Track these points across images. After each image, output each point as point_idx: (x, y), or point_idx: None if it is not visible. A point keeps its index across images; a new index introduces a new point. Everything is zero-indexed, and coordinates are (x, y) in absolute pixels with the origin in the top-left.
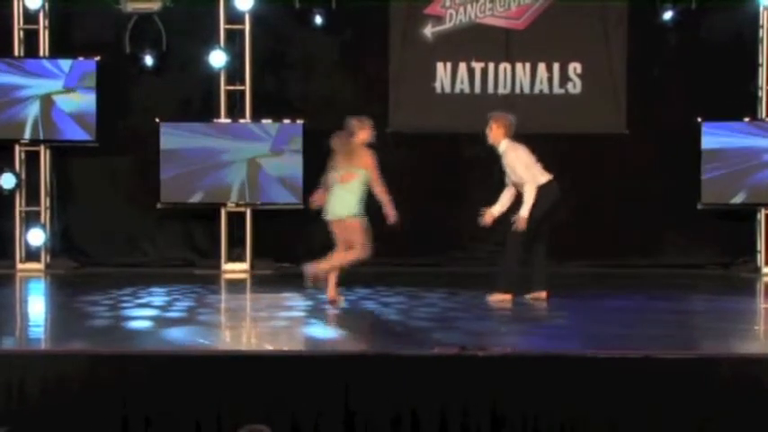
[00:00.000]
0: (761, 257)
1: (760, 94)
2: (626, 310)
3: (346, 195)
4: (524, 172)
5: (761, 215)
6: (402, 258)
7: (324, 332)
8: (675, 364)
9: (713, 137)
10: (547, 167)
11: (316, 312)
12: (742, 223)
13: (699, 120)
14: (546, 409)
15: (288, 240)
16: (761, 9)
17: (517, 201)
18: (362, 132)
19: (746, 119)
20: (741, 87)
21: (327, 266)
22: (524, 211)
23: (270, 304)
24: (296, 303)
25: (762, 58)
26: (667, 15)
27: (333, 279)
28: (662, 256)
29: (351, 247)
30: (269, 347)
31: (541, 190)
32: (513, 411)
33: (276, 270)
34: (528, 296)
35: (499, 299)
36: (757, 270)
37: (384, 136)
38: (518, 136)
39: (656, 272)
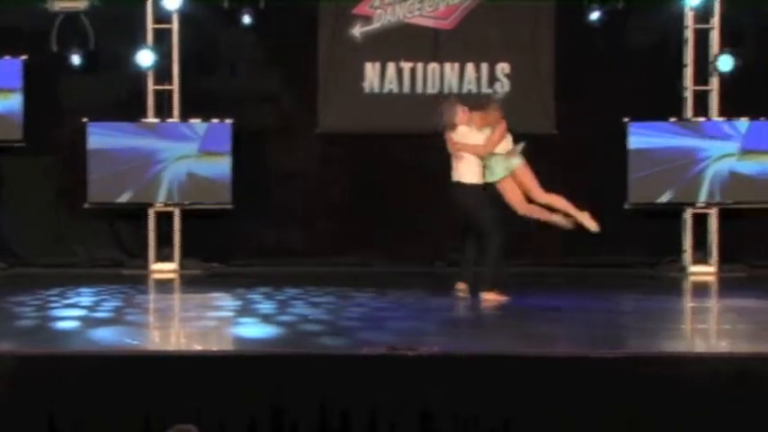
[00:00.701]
0: (687, 257)
1: (686, 94)
2: (556, 309)
3: None
4: None
5: (687, 214)
6: (332, 258)
7: (253, 332)
8: (603, 362)
9: (640, 137)
10: None
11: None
12: (669, 223)
13: (626, 120)
14: (476, 409)
15: (216, 240)
16: (686, 9)
17: None
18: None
19: (673, 119)
20: (667, 87)
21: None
22: None
23: (199, 304)
24: (225, 303)
25: (687, 58)
26: (594, 16)
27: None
28: (591, 255)
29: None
30: (198, 347)
31: None
32: (442, 411)
33: (205, 270)
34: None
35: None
36: (683, 269)
37: (312, 136)
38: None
39: (585, 271)
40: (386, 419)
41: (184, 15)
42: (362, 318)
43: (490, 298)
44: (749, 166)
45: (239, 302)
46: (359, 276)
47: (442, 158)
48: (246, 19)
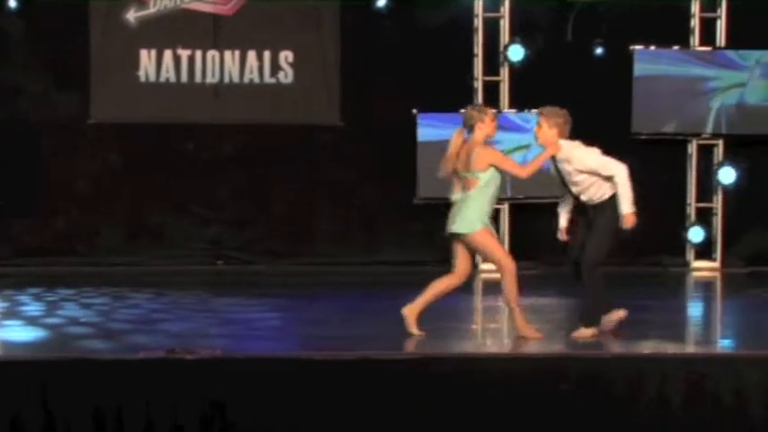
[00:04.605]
0: None
1: (476, 84)
2: (342, 309)
3: (464, 206)
4: (602, 159)
5: None
6: (109, 257)
7: (20, 336)
8: (392, 364)
9: (430, 128)
10: (255, 159)
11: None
12: None
13: (415, 111)
14: (261, 412)
15: None
16: None
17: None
18: (483, 126)
19: (462, 110)
20: (457, 78)
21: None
22: (628, 206)
23: None
24: None
25: (477, 48)
26: (381, 2)
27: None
28: (380, 252)
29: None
30: None
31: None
32: (222, 414)
33: None
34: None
35: (588, 334)
36: (475, 266)
37: (85, 127)
38: (226, 128)
39: (374, 269)
40: (164, 424)
41: None
42: (136, 320)
43: (587, 335)
44: None
45: (5, 304)
46: (137, 276)
47: (222, 150)
48: (12, 2)
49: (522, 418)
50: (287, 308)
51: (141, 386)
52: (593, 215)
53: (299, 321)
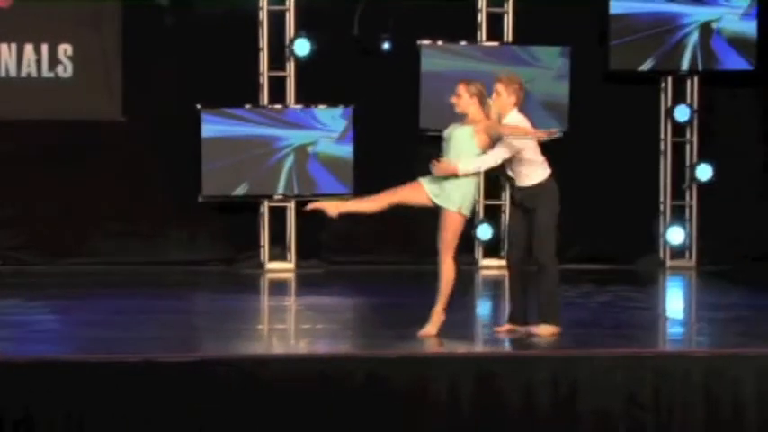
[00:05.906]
0: (264, 252)
1: (261, 79)
2: (125, 310)
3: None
4: (509, 139)
5: (264, 208)
6: None
7: None
8: (176, 367)
9: (214, 125)
10: (34, 156)
11: None
12: (246, 217)
13: (198, 107)
14: (38, 415)
15: None
16: None
17: None
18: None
19: (248, 105)
20: (242, 72)
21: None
22: (466, 165)
23: None
24: None
25: (262, 42)
26: None
27: None
28: (162, 251)
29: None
30: None
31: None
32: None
33: None
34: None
35: (550, 332)
36: (261, 266)
37: None
38: (2, 124)
39: (158, 269)
40: None
41: None
42: None
43: (548, 332)
44: (328, 156)
45: None
46: None
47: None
48: None
49: (308, 419)
50: (67, 309)
51: None
52: (522, 201)
53: (80, 323)
